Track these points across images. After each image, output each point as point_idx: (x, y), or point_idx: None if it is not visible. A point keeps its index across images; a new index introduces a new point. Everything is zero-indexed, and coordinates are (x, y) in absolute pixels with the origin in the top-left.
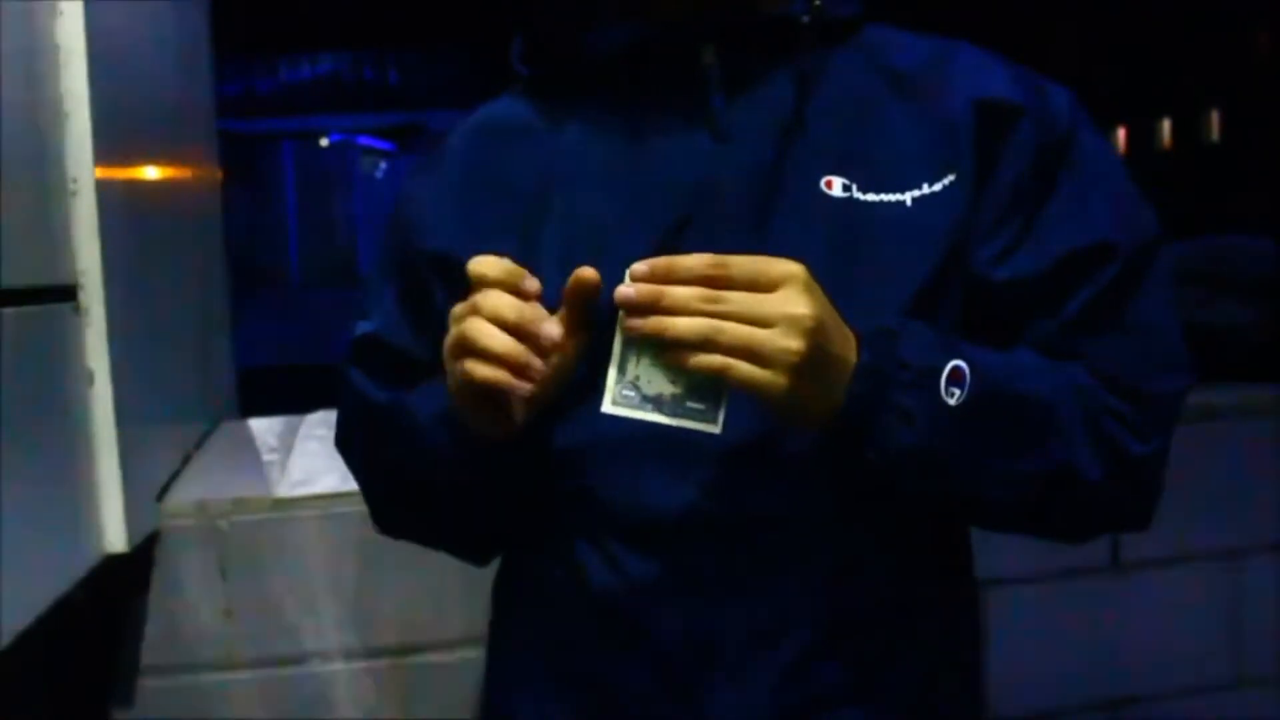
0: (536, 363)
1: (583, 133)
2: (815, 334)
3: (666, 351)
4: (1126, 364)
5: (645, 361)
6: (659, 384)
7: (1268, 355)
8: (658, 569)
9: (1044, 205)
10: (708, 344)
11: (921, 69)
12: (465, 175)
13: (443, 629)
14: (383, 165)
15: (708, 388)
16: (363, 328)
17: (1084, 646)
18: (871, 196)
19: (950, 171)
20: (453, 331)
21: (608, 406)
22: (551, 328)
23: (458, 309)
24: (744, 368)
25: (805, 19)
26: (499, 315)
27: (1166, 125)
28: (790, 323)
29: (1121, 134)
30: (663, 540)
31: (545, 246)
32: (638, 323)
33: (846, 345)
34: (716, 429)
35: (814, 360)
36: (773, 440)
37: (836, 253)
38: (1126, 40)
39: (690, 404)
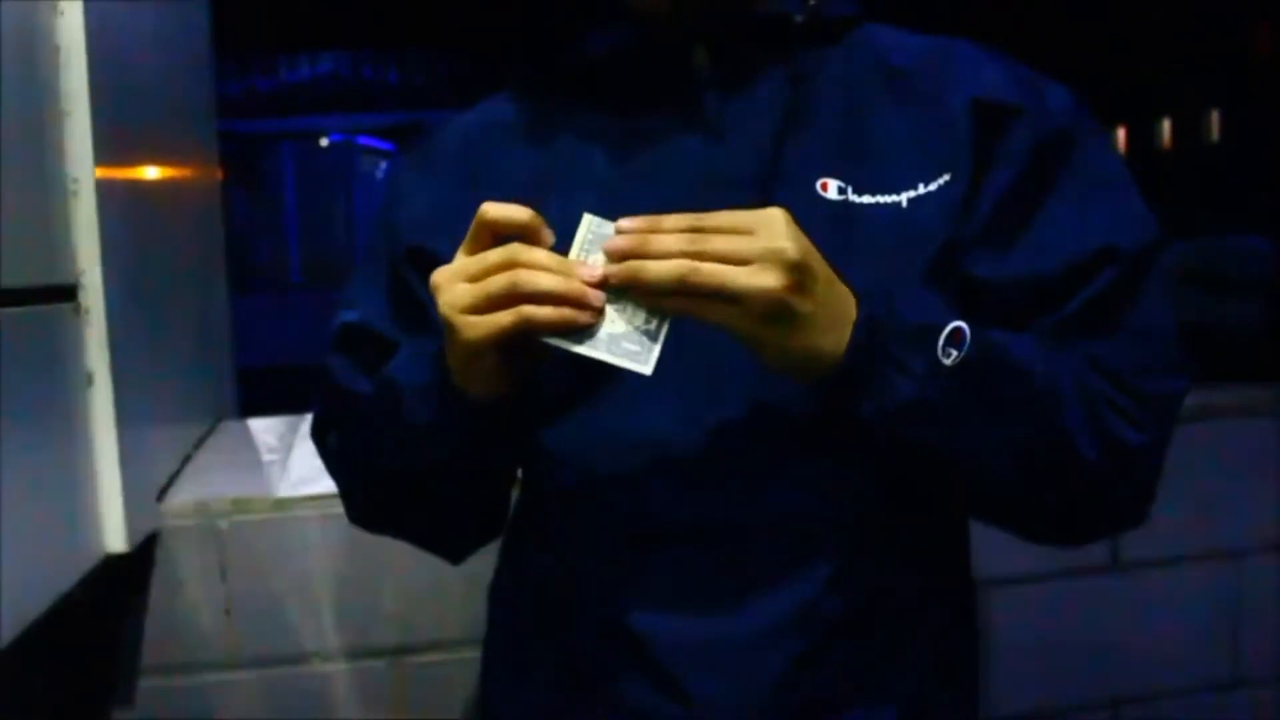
0: (594, 295)
1: (579, 134)
2: (794, 269)
3: (642, 297)
4: (1125, 363)
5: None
6: (598, 323)
7: (1268, 355)
8: (657, 573)
9: (1044, 205)
10: (681, 285)
11: (918, 67)
12: (460, 173)
13: (443, 629)
14: (383, 165)
15: (645, 332)
16: (347, 316)
17: (1084, 646)
18: (867, 199)
19: (946, 171)
20: (491, 282)
21: (545, 336)
22: (593, 269)
23: (484, 259)
24: (716, 307)
25: (798, 18)
26: (543, 263)
27: (1166, 125)
28: (767, 258)
29: (1121, 134)
30: (661, 545)
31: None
32: (614, 269)
33: (838, 298)
34: (647, 370)
35: (791, 298)
36: (772, 444)
37: (832, 255)
38: (1126, 40)
39: (626, 344)
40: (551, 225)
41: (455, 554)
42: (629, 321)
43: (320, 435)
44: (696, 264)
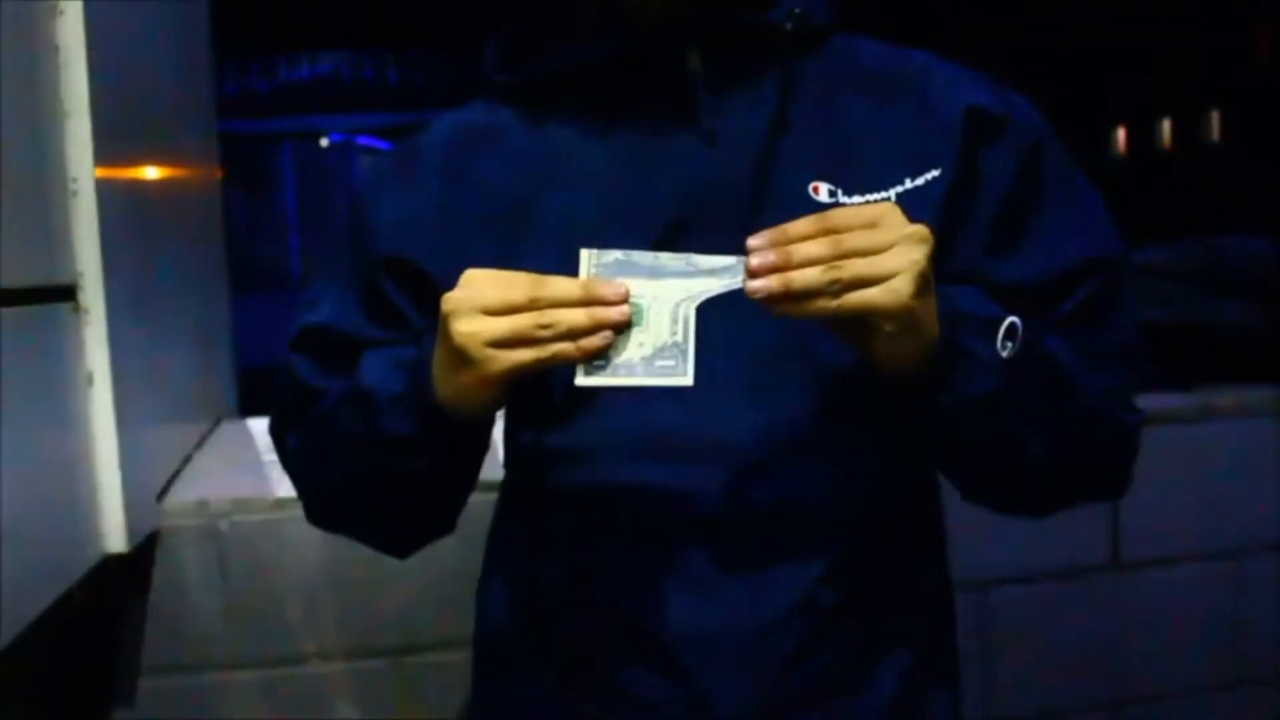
0: (620, 312)
1: (567, 137)
2: (931, 245)
3: (782, 305)
4: (1114, 354)
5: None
6: (627, 350)
7: (1268, 355)
8: (662, 566)
9: (1035, 214)
10: (830, 287)
11: (896, 72)
12: (442, 184)
13: (443, 629)
14: None
15: (673, 345)
16: (310, 318)
17: (1084, 646)
18: (857, 199)
19: (933, 167)
20: (520, 320)
21: (580, 379)
22: (618, 286)
23: (507, 295)
24: (860, 295)
25: (788, 26)
26: (570, 296)
27: (1166, 125)
28: (908, 238)
29: (1121, 134)
30: (663, 538)
31: (535, 250)
32: (762, 283)
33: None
34: (688, 380)
35: (930, 272)
36: (771, 438)
37: None
38: (1126, 40)
39: (660, 362)
40: (553, 220)
41: (406, 552)
42: (654, 340)
43: (279, 435)
44: (841, 262)
